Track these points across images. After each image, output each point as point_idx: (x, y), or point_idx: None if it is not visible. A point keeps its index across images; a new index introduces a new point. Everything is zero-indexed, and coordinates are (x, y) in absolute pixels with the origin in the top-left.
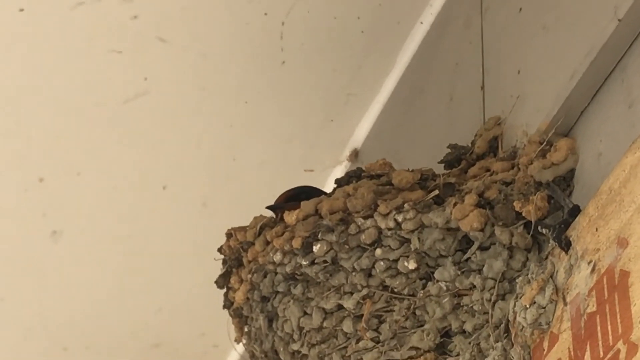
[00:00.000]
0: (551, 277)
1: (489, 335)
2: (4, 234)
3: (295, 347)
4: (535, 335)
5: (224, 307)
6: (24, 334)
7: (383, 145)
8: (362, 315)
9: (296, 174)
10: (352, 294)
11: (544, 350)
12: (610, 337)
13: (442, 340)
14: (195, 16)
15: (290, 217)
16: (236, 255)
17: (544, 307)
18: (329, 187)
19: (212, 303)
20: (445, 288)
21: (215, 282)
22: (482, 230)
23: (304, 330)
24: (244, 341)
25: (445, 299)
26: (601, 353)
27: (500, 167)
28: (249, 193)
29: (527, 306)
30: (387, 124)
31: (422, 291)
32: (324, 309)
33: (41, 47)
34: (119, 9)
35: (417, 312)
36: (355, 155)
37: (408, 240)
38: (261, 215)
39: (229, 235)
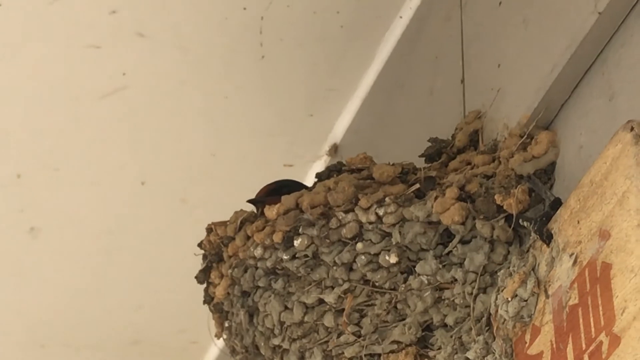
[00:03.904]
0: (533, 270)
1: (470, 329)
2: None
3: (276, 341)
4: (517, 328)
5: (204, 302)
6: (1, 331)
7: (363, 139)
8: (344, 309)
9: (276, 169)
10: (333, 288)
11: (526, 343)
12: (593, 329)
13: (423, 334)
14: (174, 11)
15: (271, 211)
16: (216, 250)
17: (526, 300)
18: (308, 181)
19: (192, 299)
20: (426, 282)
21: (196, 277)
22: (463, 223)
23: (285, 325)
24: (225, 336)
25: (427, 293)
26: (584, 345)
27: (481, 160)
28: (229, 188)
29: (509, 299)
30: (367, 119)
31: (403, 285)
32: (305, 303)
33: (19, 42)
34: (97, 3)
35: (399, 306)
36: (334, 150)
37: (389, 234)
38: (242, 210)
39: (209, 230)
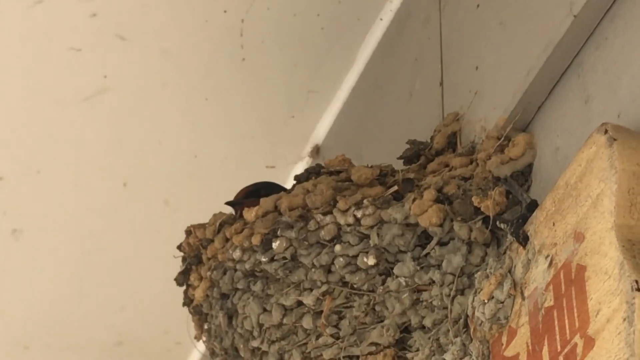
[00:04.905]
0: (509, 271)
1: (448, 330)
2: None
3: (255, 344)
4: (493, 329)
5: (184, 304)
6: None
7: (344, 141)
8: (322, 311)
9: (258, 171)
10: (311, 290)
11: (502, 344)
12: (568, 331)
13: (401, 335)
14: (155, 14)
15: (249, 214)
16: (196, 252)
17: (502, 302)
18: (290, 183)
19: (175, 300)
20: (404, 283)
21: (175, 279)
22: (440, 225)
23: (264, 327)
24: (204, 338)
25: (405, 295)
26: (559, 347)
27: (458, 162)
28: (211, 190)
29: (486, 301)
30: (348, 120)
31: (381, 287)
32: (283, 305)
33: None
34: (78, 6)
35: (377, 308)
36: (316, 151)
37: (367, 236)
38: (220, 213)
39: (188, 232)
